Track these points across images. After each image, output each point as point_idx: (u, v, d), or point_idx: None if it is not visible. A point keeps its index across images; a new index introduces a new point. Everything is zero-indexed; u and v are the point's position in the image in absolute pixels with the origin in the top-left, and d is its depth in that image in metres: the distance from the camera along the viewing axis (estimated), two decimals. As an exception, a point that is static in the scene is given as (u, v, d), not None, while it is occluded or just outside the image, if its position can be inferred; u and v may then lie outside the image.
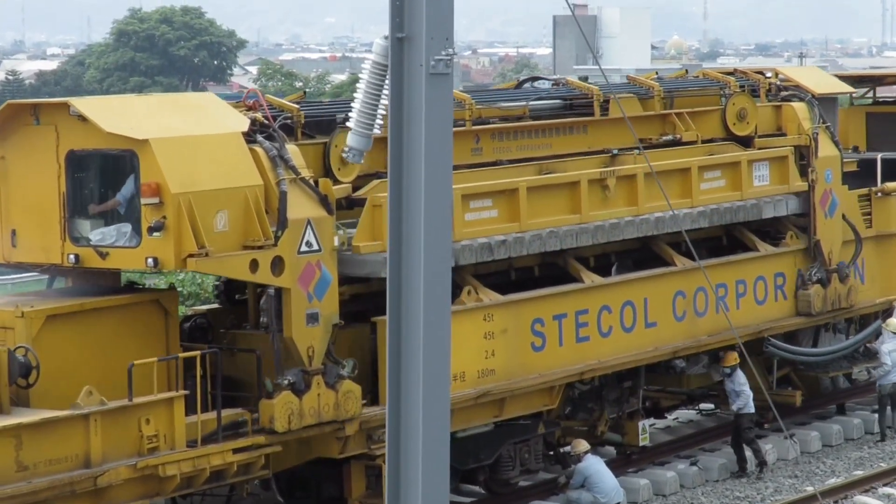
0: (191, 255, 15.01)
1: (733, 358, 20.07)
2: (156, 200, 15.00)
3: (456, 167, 15.88)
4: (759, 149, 20.76)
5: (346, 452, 16.99)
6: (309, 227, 15.72)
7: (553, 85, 20.99)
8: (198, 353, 16.63)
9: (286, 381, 16.05)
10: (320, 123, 17.25)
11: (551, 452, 19.49)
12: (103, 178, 15.78)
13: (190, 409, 16.03)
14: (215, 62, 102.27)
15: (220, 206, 15.24)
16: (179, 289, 21.94)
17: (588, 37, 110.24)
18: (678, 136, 20.22)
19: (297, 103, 17.63)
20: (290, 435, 16.60)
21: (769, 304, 21.57)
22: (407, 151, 10.73)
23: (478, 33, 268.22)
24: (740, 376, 20.52)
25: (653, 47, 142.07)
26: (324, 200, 15.97)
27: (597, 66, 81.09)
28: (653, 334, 19.77)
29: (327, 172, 16.73)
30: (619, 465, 19.74)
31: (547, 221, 18.24)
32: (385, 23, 10.51)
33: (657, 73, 23.44)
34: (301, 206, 15.78)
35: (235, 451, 16.15)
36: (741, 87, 21.58)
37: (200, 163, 15.40)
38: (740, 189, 20.26)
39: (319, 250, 15.79)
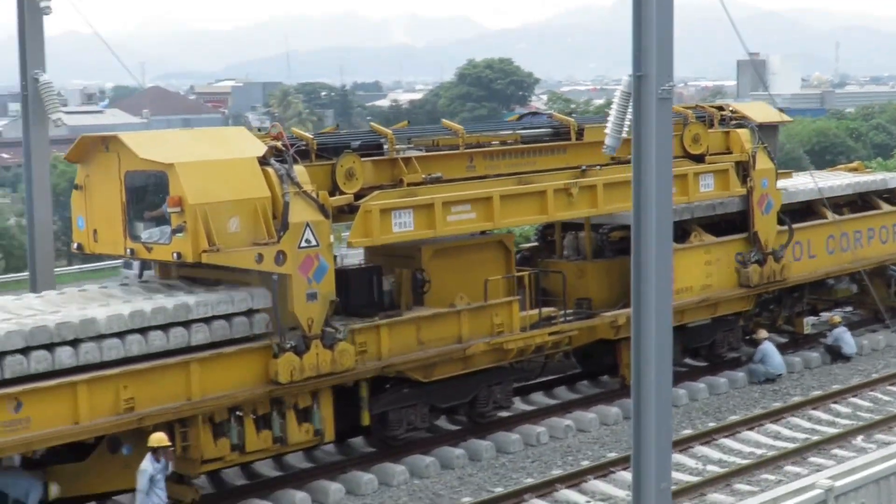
0: (205, 251, 17.58)
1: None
2: (178, 209, 17.55)
3: (451, 180, 20.79)
4: (708, 164, 24.57)
5: (619, 335, 23.37)
6: (308, 228, 18.45)
7: (548, 118, 24.33)
8: (525, 273, 22.82)
9: None
10: (333, 148, 19.91)
11: (746, 337, 27.02)
12: (149, 192, 18.43)
13: (521, 308, 22.04)
14: (520, 92, 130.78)
15: (232, 213, 17.80)
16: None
17: (759, 73, 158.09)
18: None
19: (361, 134, 21.02)
20: (581, 323, 23.14)
21: (889, 244, 28.89)
22: (644, 147, 14.57)
23: (686, 70, 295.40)
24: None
25: (802, 80, 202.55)
26: (322, 208, 18.75)
27: (766, 93, 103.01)
28: (813, 263, 27.15)
29: (334, 186, 19.53)
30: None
31: (517, 221, 22.30)
32: (629, 66, 14.48)
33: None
34: (302, 212, 18.43)
35: (550, 333, 22.30)
36: (698, 117, 25.33)
37: (217, 180, 17.86)
38: (687, 194, 24.06)
39: (317, 245, 18.54)
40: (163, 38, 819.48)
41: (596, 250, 25.21)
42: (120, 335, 17.33)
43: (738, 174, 25.39)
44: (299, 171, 18.71)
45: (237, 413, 18.47)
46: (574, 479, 20.16)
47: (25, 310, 17.59)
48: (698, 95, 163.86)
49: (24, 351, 16.44)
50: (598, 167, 22.76)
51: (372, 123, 21.97)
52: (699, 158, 24.74)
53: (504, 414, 22.99)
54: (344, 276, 20.46)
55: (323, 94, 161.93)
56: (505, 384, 22.53)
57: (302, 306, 18.48)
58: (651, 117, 14.35)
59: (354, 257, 22.43)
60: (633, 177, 14.64)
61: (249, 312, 18.62)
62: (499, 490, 19.91)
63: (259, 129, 20.53)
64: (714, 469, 20.88)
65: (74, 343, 16.95)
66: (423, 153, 21.17)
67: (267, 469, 20.98)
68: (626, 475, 19.38)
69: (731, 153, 25.64)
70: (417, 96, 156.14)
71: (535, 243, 26.67)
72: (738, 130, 25.87)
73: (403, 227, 20.04)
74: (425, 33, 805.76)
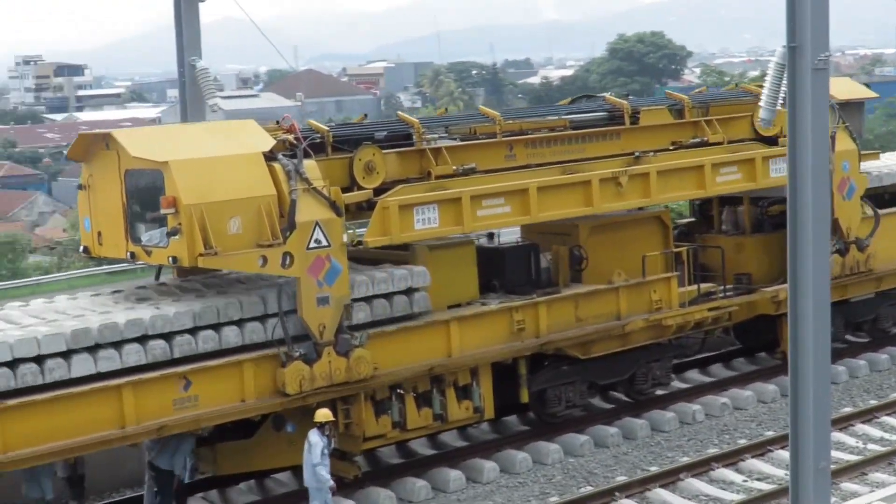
0: (201, 255, 16.36)
1: None
2: (172, 210, 16.32)
3: (486, 171, 19.48)
4: (782, 146, 21.94)
5: (780, 311, 22.93)
6: (318, 227, 17.13)
7: (603, 101, 22.68)
8: (684, 248, 22.70)
9: None
10: (350, 141, 18.71)
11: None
12: (149, 192, 16.96)
13: (679, 284, 22.04)
14: (672, 66, 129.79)
15: (232, 213, 16.52)
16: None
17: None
18: (705, 138, 22.38)
19: (391, 125, 19.66)
20: (741, 299, 22.84)
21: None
22: (800, 118, 14.18)
23: (843, 39, 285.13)
24: None
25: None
26: (333, 205, 17.33)
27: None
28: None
29: (353, 181, 18.33)
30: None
31: (557, 214, 20.27)
32: (783, 37, 13.99)
33: (706, 88, 26.98)
34: (311, 211, 17.09)
35: (709, 309, 22.24)
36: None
37: (215, 178, 16.60)
38: (755, 180, 22.61)
39: (329, 245, 17.21)
40: (316, 21, 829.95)
41: (755, 224, 24.87)
42: (286, 314, 17.57)
43: None
44: (310, 165, 17.43)
45: (398, 391, 18.65)
46: (730, 458, 20.03)
47: (191, 292, 18.00)
48: (857, 64, 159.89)
49: (193, 331, 16.82)
50: (652, 153, 21.65)
51: (399, 112, 20.66)
52: (772, 141, 23.35)
53: (659, 392, 22.95)
54: (500, 254, 20.54)
55: (474, 72, 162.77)
56: (664, 361, 22.51)
57: (312, 311, 17.31)
58: (806, 89, 14.02)
59: (511, 234, 22.44)
60: (789, 151, 14.29)
61: (409, 291, 18.76)
62: (654, 469, 19.88)
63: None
64: (875, 448, 20.55)
65: (239, 323, 17.29)
66: (456, 143, 19.95)
67: (422, 447, 21.21)
68: (784, 454, 19.29)
69: None
70: (569, 73, 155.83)
71: (693, 218, 26.48)
72: None
73: (427, 223, 18.70)
74: (576, 9, 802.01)
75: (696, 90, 25.42)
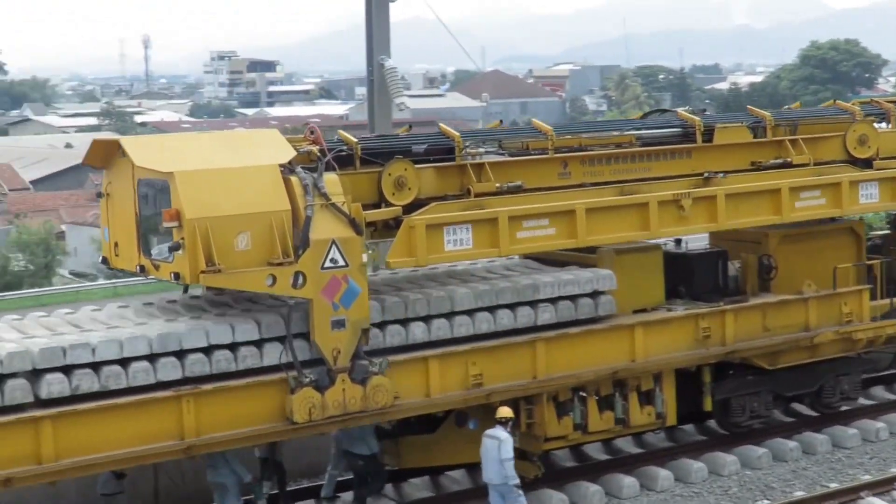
0: (203, 272, 15.18)
1: None
2: (175, 224, 15.24)
3: (535, 189, 17.96)
4: (877, 170, 21.07)
5: None
6: (334, 245, 15.87)
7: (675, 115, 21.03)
8: (876, 262, 22.26)
9: None
10: (383, 154, 17.33)
11: None
12: (158, 203, 15.85)
13: (871, 298, 21.48)
14: (866, 74, 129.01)
15: (241, 229, 15.38)
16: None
17: None
18: (788, 159, 20.52)
19: (381, 136, 18.42)
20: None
21: None
22: None
23: None
24: None
25: None
26: (353, 222, 16.02)
27: None
28: None
29: (381, 196, 16.96)
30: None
31: (610, 238, 18.69)
32: None
33: (799, 104, 24.52)
34: (328, 228, 15.83)
35: None
36: (869, 114, 22.03)
37: (224, 191, 15.48)
38: (840, 206, 20.69)
39: (346, 266, 15.89)
40: (505, 22, 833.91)
41: (954, 240, 23.98)
42: (469, 313, 17.76)
43: None
44: (331, 180, 16.15)
45: (580, 393, 18.68)
46: (915, 478, 19.52)
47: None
48: None
49: (381, 325, 17.05)
50: (721, 175, 19.82)
51: (441, 125, 18.81)
52: (867, 163, 21.42)
53: (844, 407, 22.52)
54: (687, 261, 20.41)
55: (661, 77, 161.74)
56: (853, 375, 22.09)
57: (325, 335, 16.05)
58: None
59: (699, 241, 22.26)
60: None
61: (594, 294, 18.79)
62: (833, 485, 19.53)
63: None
64: None
65: (426, 319, 17.47)
66: (501, 158, 18.47)
67: (596, 452, 21.17)
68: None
69: None
70: (758, 79, 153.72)
71: (887, 231, 25.79)
72: None
73: (460, 244, 17.28)
74: (767, 15, 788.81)
75: (786, 107, 24.02)
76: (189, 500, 19.17)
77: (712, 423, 21.81)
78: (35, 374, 14.85)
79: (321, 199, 15.89)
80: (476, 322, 17.79)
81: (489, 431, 17.26)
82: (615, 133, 19.91)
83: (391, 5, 24.08)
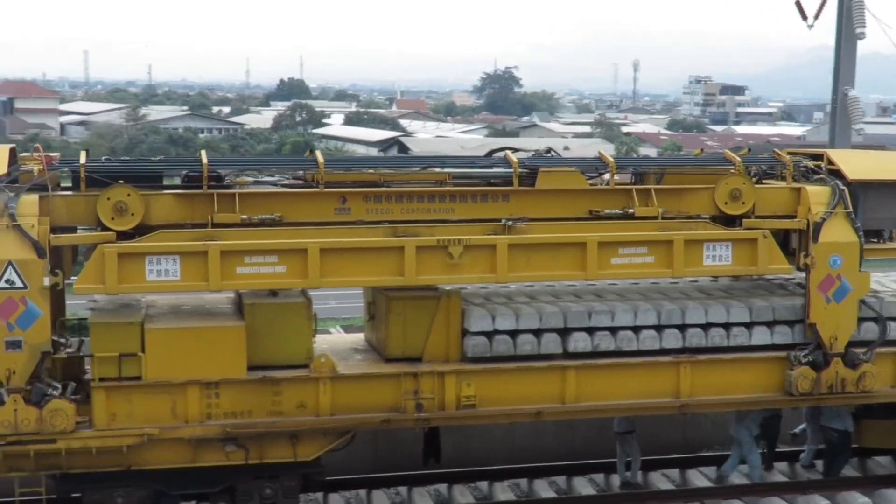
0: None
1: None
2: None
3: (298, 224, 16.69)
4: (747, 228, 17.85)
5: None
6: (10, 266, 15.62)
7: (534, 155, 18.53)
8: None
9: None
10: (130, 178, 16.40)
11: None
12: None
13: None
14: None
15: None
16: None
17: None
18: (630, 210, 17.67)
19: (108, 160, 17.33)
20: None
21: None
22: None
23: None
24: None
25: None
26: (35, 245, 15.70)
27: None
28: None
29: (99, 221, 16.20)
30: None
31: (347, 281, 16.80)
32: None
33: (701, 151, 21.74)
34: (6, 249, 15.60)
35: None
36: (750, 168, 18.79)
37: None
38: (671, 267, 17.46)
39: (24, 287, 15.64)
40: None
41: None
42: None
43: (803, 244, 18.33)
44: (27, 201, 15.89)
45: None
46: None
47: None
48: None
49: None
50: (524, 222, 17.39)
51: (202, 152, 17.56)
52: (733, 221, 18.17)
53: None
54: None
55: None
56: None
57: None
58: None
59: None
60: None
61: None
62: None
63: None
64: None
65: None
66: (260, 189, 17.27)
67: None
68: None
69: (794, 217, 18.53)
70: None
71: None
72: (811, 189, 18.38)
73: (164, 275, 16.20)
74: None
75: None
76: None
77: None
78: (565, 332, 17.52)
79: (7, 220, 15.77)
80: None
81: None
82: (415, 169, 17.98)
83: (858, 42, 25.96)
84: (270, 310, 16.88)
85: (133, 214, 16.26)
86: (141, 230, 16.31)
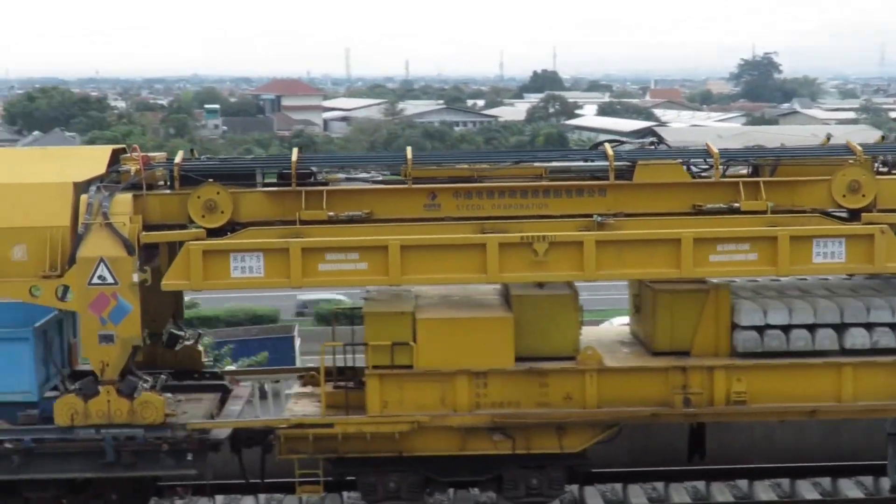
0: None
1: None
2: None
3: (387, 220, 16.89)
4: (866, 223, 16.83)
5: None
6: (102, 263, 16.30)
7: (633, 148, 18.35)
8: None
9: None
10: (218, 176, 16.93)
11: None
12: None
13: None
14: None
15: (17, 241, 16.50)
16: None
17: None
18: (736, 204, 16.94)
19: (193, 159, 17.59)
20: None
21: None
22: None
23: None
24: None
25: None
26: (125, 243, 16.32)
27: None
28: None
29: (190, 218, 16.77)
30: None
31: (429, 279, 16.93)
32: None
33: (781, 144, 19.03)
34: (99, 246, 16.32)
35: None
36: (873, 158, 17.73)
37: (6, 205, 16.60)
38: (775, 264, 16.75)
39: (115, 283, 16.28)
40: None
41: None
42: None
43: None
44: (121, 200, 16.60)
45: None
46: None
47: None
48: None
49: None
50: (617, 218, 17.02)
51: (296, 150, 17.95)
52: (855, 214, 17.21)
53: None
54: None
55: None
56: None
57: (93, 348, 16.60)
58: None
59: None
60: None
61: None
62: None
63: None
64: None
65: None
66: (350, 186, 17.56)
67: None
68: None
69: None
70: None
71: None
72: None
73: (248, 272, 16.69)
74: None
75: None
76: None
77: None
78: (841, 328, 17.14)
79: (100, 218, 16.40)
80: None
81: None
82: (505, 164, 17.68)
83: None
84: (538, 301, 17.20)
85: (223, 212, 16.77)
86: (234, 227, 16.84)
